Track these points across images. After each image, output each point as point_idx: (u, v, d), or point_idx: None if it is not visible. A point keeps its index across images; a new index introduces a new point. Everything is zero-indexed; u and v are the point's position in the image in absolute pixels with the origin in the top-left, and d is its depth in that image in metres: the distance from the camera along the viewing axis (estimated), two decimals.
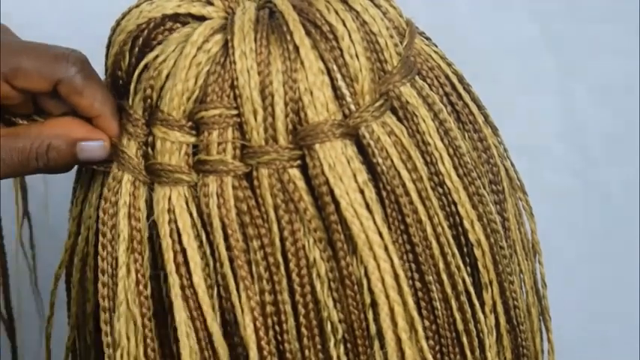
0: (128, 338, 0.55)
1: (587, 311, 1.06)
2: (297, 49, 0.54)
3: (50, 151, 0.58)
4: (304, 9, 0.55)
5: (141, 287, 0.55)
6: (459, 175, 0.57)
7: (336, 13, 0.55)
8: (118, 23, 0.57)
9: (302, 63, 0.54)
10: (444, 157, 0.56)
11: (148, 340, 0.56)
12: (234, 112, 0.54)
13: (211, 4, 0.57)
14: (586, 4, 1.01)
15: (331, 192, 0.53)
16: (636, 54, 1.01)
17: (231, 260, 0.54)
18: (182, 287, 0.54)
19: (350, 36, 0.54)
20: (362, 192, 0.54)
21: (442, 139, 0.57)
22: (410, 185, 0.55)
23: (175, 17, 0.56)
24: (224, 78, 0.54)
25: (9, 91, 0.57)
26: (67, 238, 0.61)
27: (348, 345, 0.54)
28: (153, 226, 0.55)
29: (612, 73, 1.02)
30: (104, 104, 0.57)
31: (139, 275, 0.55)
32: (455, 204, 0.57)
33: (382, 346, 0.54)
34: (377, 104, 0.55)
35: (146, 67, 0.55)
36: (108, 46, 0.58)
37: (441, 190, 0.57)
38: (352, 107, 0.54)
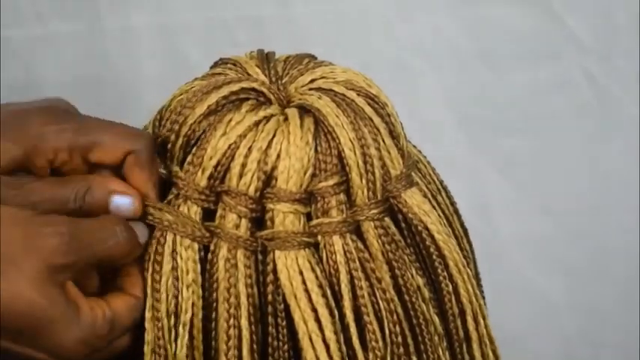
0: None
1: None
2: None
3: (88, 194, 0.63)
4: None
5: (254, 345, 0.65)
6: None
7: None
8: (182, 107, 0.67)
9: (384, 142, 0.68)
10: None
11: None
12: (344, 179, 0.66)
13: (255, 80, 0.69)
14: None
15: (426, 228, 0.67)
16: None
17: (356, 311, 0.65)
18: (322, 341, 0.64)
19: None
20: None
21: None
22: None
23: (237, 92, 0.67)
24: (332, 152, 0.66)
25: (79, 163, 0.64)
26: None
27: (448, 345, 0.68)
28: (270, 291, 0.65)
29: None
30: (155, 186, 0.65)
31: (254, 335, 0.65)
32: None
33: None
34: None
35: (249, 150, 0.65)
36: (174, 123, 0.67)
37: None
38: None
